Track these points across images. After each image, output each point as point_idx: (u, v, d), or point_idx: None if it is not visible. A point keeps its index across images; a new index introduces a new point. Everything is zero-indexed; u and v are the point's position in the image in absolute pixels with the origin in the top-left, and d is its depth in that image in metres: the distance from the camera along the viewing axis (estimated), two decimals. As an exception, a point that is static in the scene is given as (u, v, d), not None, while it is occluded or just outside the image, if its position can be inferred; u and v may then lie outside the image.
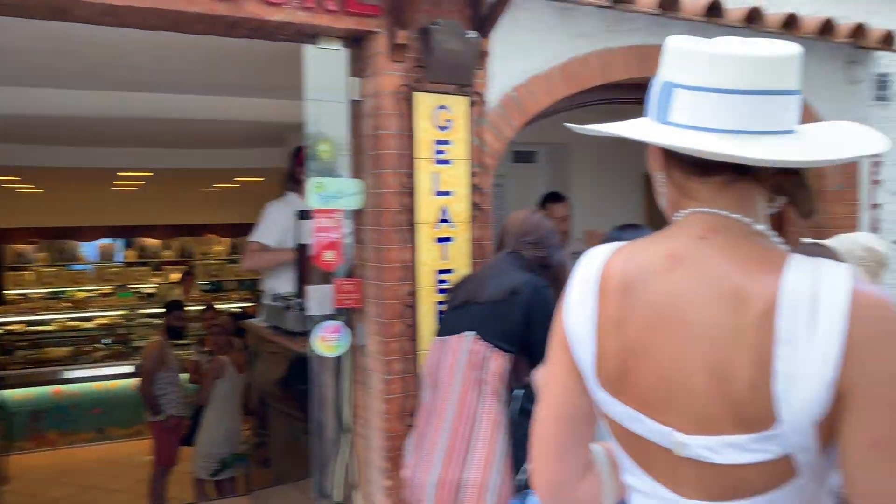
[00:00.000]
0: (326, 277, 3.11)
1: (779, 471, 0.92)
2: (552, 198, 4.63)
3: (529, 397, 2.49)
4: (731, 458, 0.93)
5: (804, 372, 0.88)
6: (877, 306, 0.89)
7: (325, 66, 3.06)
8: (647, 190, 6.55)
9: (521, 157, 6.46)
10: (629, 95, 4.31)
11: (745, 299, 0.92)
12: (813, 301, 0.89)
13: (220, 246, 13.04)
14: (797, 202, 1.04)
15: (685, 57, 0.99)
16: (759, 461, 0.92)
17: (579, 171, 6.33)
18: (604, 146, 6.40)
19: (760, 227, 1.00)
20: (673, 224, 1.06)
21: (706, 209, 1.01)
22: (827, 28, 3.95)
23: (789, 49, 0.97)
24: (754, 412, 0.91)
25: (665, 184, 1.08)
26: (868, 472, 0.88)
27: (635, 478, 1.07)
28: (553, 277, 2.71)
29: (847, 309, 0.87)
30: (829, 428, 0.89)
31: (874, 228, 4.48)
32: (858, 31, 4.08)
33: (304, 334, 3.17)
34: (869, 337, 0.87)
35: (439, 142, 3.05)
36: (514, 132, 3.48)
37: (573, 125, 1.15)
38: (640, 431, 1.02)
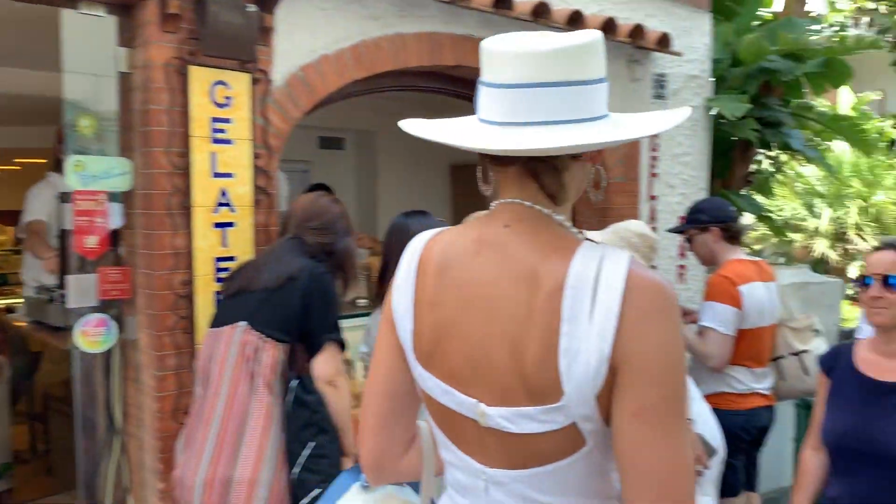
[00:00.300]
0: (90, 266, 2.83)
1: (568, 440, 0.99)
2: (317, 189, 4.47)
3: (306, 388, 2.40)
4: (525, 427, 1.00)
5: (584, 348, 0.95)
6: (649, 288, 0.97)
7: (88, 33, 2.78)
8: (455, 180, 6.67)
9: (328, 143, 6.34)
10: (429, 84, 4.33)
11: (538, 281, 0.99)
12: (595, 283, 0.96)
13: (3, 235, 11.75)
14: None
15: (485, 55, 1.05)
16: (549, 430, 0.99)
17: (388, 160, 6.31)
18: (411, 134, 6.46)
19: (559, 217, 1.07)
20: (487, 212, 1.13)
21: (511, 199, 1.08)
22: (609, 27, 4.16)
23: (567, 43, 1.00)
24: (542, 385, 0.98)
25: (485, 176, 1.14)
26: (631, 437, 0.96)
27: (447, 451, 1.15)
28: (337, 264, 2.63)
29: (622, 290, 0.95)
30: (609, 399, 0.97)
31: (652, 218, 4.82)
32: (637, 31, 4.34)
33: (68, 329, 2.87)
34: (639, 316, 0.95)
35: (217, 120, 2.85)
36: (302, 113, 3.35)
37: (406, 123, 1.16)
38: (450, 404, 1.09)
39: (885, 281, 1.97)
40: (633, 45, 4.42)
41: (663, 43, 4.53)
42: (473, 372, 1.05)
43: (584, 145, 0.99)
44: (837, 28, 14.30)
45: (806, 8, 6.03)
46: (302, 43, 3.26)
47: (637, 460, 0.96)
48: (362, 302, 4.55)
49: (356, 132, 6.38)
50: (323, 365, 2.41)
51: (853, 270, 11.26)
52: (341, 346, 2.48)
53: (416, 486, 1.46)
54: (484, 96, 1.05)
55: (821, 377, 2.18)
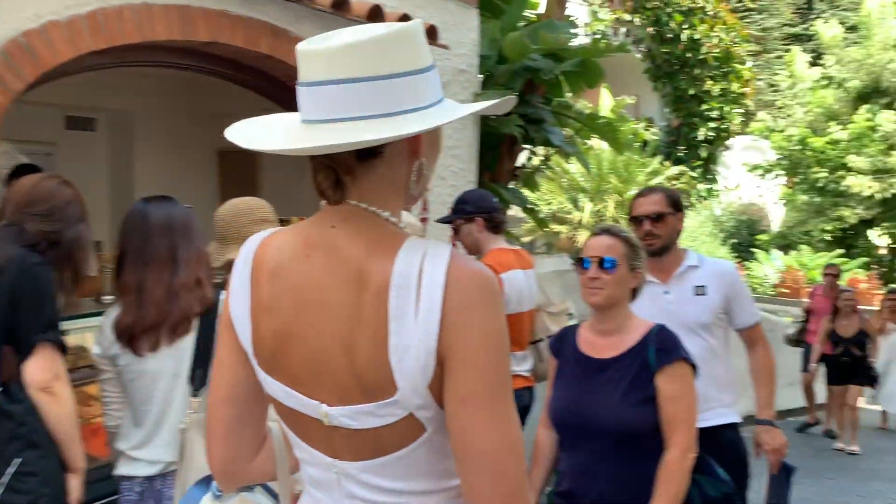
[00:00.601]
0: None
1: (409, 429, 1.04)
2: (25, 170, 3.94)
3: (12, 396, 2.07)
4: (366, 423, 1.04)
5: (413, 343, 0.99)
6: (469, 280, 1.01)
7: None
8: (224, 166, 6.30)
9: (77, 123, 5.71)
10: (185, 61, 3.99)
11: (365, 281, 1.02)
12: (419, 279, 0.99)
13: None
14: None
15: (297, 56, 1.05)
16: (390, 423, 1.03)
17: (146, 143, 5.81)
18: (174, 116, 6.00)
19: (385, 213, 1.08)
20: (315, 214, 1.13)
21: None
22: (375, 14, 4.11)
23: (360, 37, 1.00)
24: (376, 382, 1.01)
25: None
26: (462, 423, 1.01)
27: (300, 449, 1.16)
28: (65, 256, 2.29)
29: (443, 285, 0.99)
30: (441, 387, 1.01)
31: (424, 208, 4.85)
32: (403, 21, 4.32)
33: None
34: (460, 307, 0.99)
35: None
36: (26, 85, 2.94)
37: (230, 131, 1.10)
38: (295, 406, 1.10)
39: (601, 263, 2.07)
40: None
41: (431, 35, 4.55)
42: (313, 375, 1.07)
43: (371, 140, 0.98)
44: (599, 36, 15.60)
45: (567, 12, 6.35)
46: (23, 5, 2.85)
47: (469, 444, 1.01)
48: (108, 299, 4.11)
49: (110, 112, 5.80)
50: (35, 370, 2.09)
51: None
52: (60, 347, 2.16)
53: (267, 488, 1.51)
54: (299, 95, 1.05)
55: (550, 359, 2.28)
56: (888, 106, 11.95)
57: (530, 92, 5.54)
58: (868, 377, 7.28)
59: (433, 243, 1.04)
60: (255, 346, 1.12)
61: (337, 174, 1.05)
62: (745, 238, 15.18)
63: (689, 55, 16.08)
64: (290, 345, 1.08)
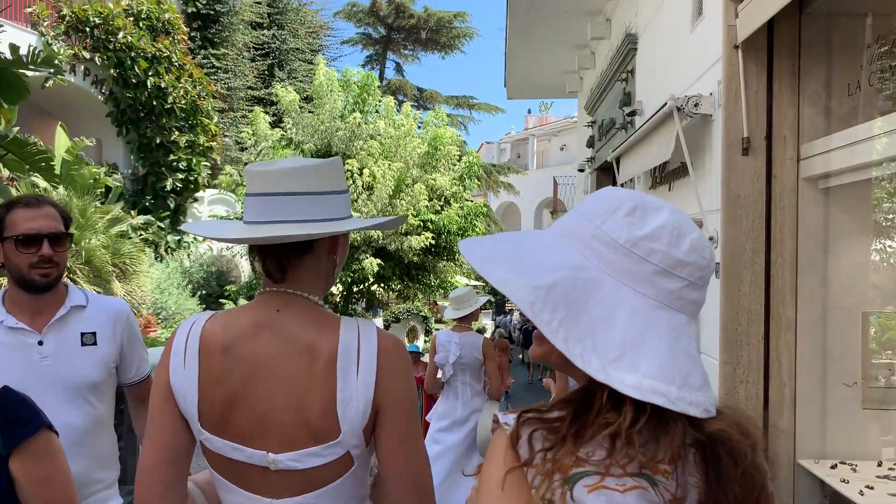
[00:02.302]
0: None
1: (342, 465, 1.37)
2: None
3: None
4: (310, 463, 1.35)
5: (355, 396, 1.34)
6: (392, 348, 1.40)
7: None
8: None
9: None
10: None
11: (316, 353, 1.36)
12: (357, 349, 1.36)
13: None
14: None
15: (247, 174, 1.46)
16: (330, 461, 1.35)
17: None
18: None
19: (315, 298, 1.44)
20: (253, 300, 1.46)
21: (276, 288, 1.43)
22: None
23: (300, 164, 1.42)
24: (325, 429, 1.34)
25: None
26: (398, 455, 1.38)
27: (234, 494, 1.41)
28: None
29: (376, 352, 1.38)
30: (371, 431, 1.38)
31: None
32: None
33: None
34: (389, 369, 1.38)
35: None
36: None
37: (188, 226, 1.58)
38: (240, 458, 1.37)
39: None
40: None
41: None
42: (261, 430, 1.35)
43: (315, 234, 1.37)
44: (53, 71, 14.10)
45: (11, 38, 5.35)
46: None
47: (404, 469, 1.39)
48: None
49: None
50: None
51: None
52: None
53: None
54: (246, 203, 1.44)
55: None
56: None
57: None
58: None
59: (362, 322, 1.42)
60: (202, 413, 1.37)
61: (280, 260, 1.40)
62: (214, 289, 15.22)
63: (155, 103, 15.67)
64: (239, 408, 1.36)
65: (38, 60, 3.78)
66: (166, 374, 1.38)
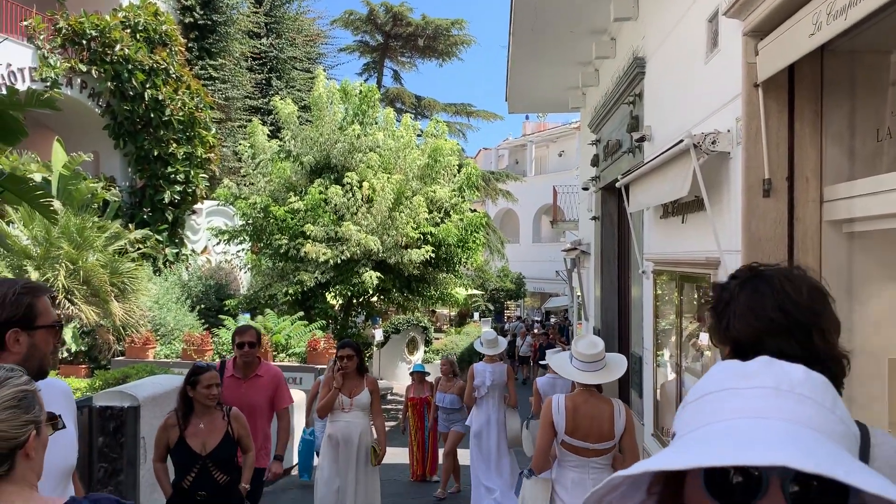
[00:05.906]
0: None
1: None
2: None
3: None
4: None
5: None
6: None
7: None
8: None
9: None
10: None
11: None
12: None
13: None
14: None
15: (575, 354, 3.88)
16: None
17: None
18: None
19: None
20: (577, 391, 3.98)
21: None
22: None
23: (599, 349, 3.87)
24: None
25: None
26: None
27: (574, 460, 3.76)
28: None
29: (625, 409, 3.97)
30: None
31: None
32: None
33: None
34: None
35: None
36: None
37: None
38: (581, 445, 3.70)
39: None
40: None
41: None
42: (589, 435, 3.84)
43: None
44: (49, 84, 13.97)
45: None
46: None
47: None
48: None
49: None
50: None
51: (68, 334, 10.84)
52: None
53: None
54: (584, 363, 3.99)
55: None
56: (337, 181, 13.22)
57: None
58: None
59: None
60: (567, 429, 3.68)
61: None
62: (213, 303, 15.07)
63: (152, 115, 15.54)
64: (580, 428, 3.65)
65: (35, 101, 3.66)
66: (553, 413, 3.72)
